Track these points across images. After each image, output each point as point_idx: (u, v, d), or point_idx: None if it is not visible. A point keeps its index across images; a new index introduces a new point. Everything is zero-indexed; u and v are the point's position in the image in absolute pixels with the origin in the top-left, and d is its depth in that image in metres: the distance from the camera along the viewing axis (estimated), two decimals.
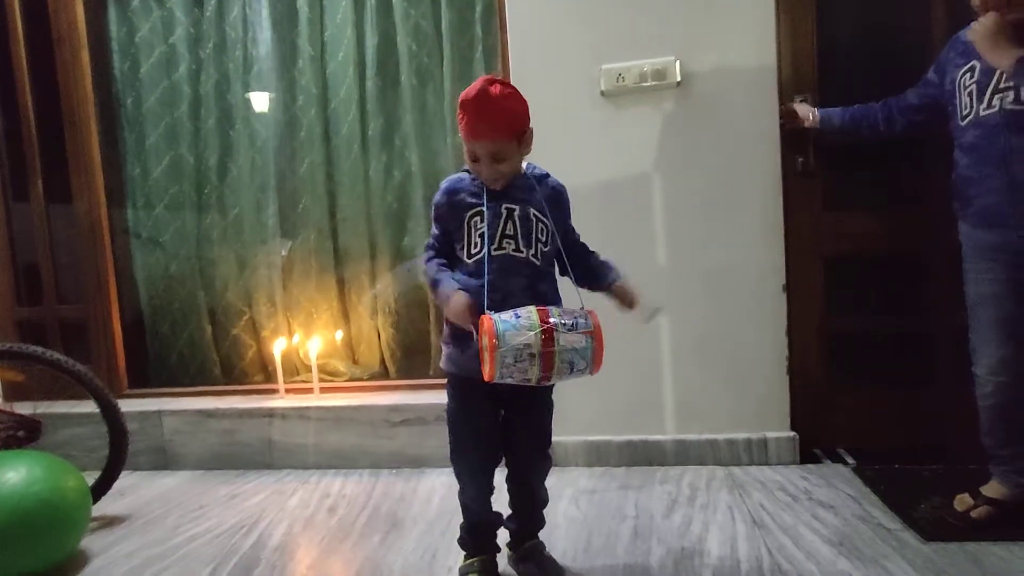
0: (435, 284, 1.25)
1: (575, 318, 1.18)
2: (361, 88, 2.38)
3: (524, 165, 1.32)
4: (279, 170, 2.46)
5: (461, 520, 1.41)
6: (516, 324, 1.14)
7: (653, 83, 1.94)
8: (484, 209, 1.24)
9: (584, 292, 1.33)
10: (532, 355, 1.13)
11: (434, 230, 1.32)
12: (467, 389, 1.29)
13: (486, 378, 1.15)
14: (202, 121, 2.48)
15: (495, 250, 1.24)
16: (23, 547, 1.48)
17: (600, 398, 2.02)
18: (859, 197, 2.01)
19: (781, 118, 1.91)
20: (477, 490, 1.34)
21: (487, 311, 1.17)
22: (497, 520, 1.40)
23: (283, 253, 2.51)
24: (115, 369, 2.47)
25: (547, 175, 1.35)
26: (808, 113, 1.85)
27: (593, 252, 1.38)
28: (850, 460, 1.96)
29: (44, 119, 2.47)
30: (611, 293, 1.33)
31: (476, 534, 1.38)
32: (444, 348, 1.33)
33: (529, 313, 1.16)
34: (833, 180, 1.99)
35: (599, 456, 2.05)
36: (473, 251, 1.25)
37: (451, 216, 1.28)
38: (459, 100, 1.22)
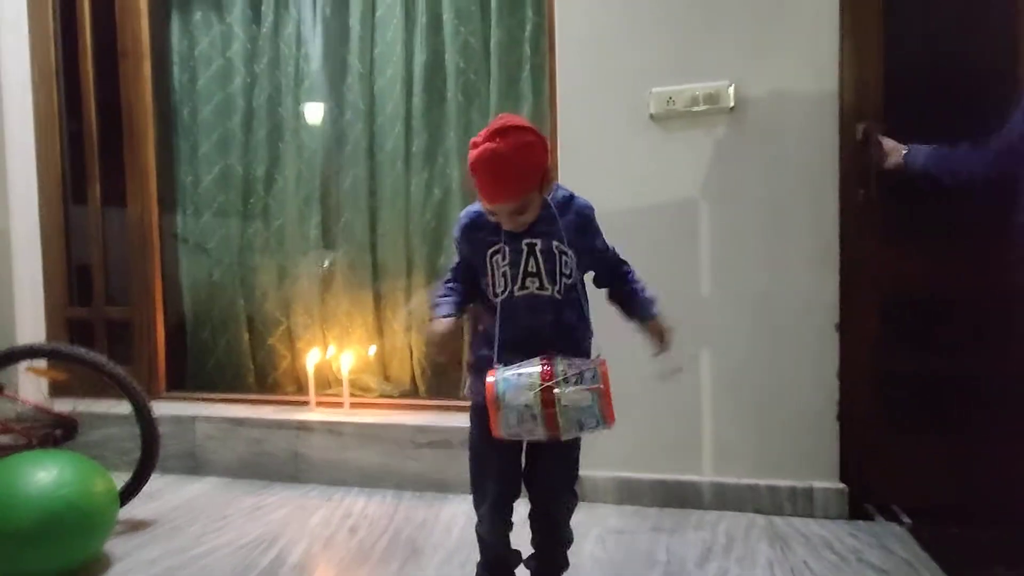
0: (433, 304, 1.23)
1: (581, 372, 1.12)
2: (408, 104, 2.38)
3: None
4: (324, 183, 2.49)
5: (479, 557, 1.34)
6: (517, 383, 1.10)
7: (705, 107, 1.87)
8: (504, 247, 1.19)
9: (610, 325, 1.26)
10: (534, 416, 1.08)
11: (455, 257, 1.29)
12: (488, 418, 1.23)
13: (494, 435, 1.12)
14: (253, 133, 2.53)
15: (519, 290, 1.19)
16: (47, 548, 1.49)
17: (634, 433, 1.93)
18: (920, 233, 1.86)
19: (860, 138, 1.77)
20: (493, 523, 1.28)
21: (495, 365, 1.14)
22: (515, 558, 1.34)
23: (325, 265, 2.52)
24: (155, 371, 2.51)
25: (571, 198, 1.25)
26: (896, 151, 1.69)
27: (634, 280, 1.29)
28: (905, 519, 1.80)
29: (105, 126, 2.56)
30: (644, 328, 1.26)
31: (493, 571, 1.32)
32: (469, 376, 1.28)
33: (532, 371, 1.11)
34: (894, 214, 1.85)
35: (630, 494, 1.95)
36: (498, 290, 1.21)
37: (472, 253, 1.24)
38: (469, 161, 1.13)
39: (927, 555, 1.60)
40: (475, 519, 1.33)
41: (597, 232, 1.28)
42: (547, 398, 1.08)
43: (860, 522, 1.80)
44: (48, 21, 2.54)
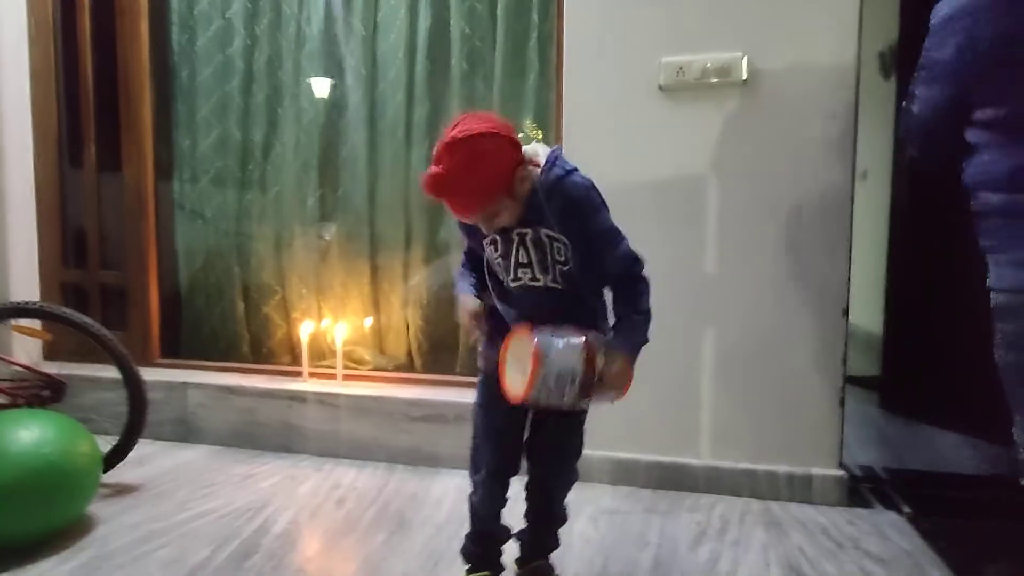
0: (456, 282, 1.24)
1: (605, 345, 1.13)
2: (410, 71, 2.32)
3: (542, 162, 1.13)
4: (323, 151, 2.43)
5: (468, 528, 1.31)
6: (564, 346, 1.06)
7: (716, 80, 1.80)
8: (497, 238, 1.15)
9: None
10: (574, 380, 1.05)
11: (464, 241, 1.27)
12: (496, 389, 1.18)
13: (517, 399, 1.08)
14: (252, 97, 2.47)
15: (512, 281, 1.16)
16: (28, 508, 1.46)
17: (631, 413, 1.87)
18: None
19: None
20: (488, 495, 1.25)
21: (523, 323, 1.12)
22: (504, 534, 1.30)
23: (326, 237, 2.47)
24: (148, 337, 2.48)
25: (563, 177, 1.10)
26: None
27: (631, 299, 1.15)
28: (905, 508, 1.76)
29: (103, 87, 2.50)
30: (610, 355, 1.12)
31: (481, 545, 1.29)
32: (484, 346, 1.24)
33: (573, 337, 1.07)
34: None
35: (625, 475, 1.92)
36: (501, 278, 1.19)
37: (471, 239, 1.22)
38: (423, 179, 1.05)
39: (926, 544, 1.56)
40: (467, 491, 1.29)
41: (589, 215, 1.11)
42: (590, 365, 1.06)
43: (859, 509, 1.76)
44: None
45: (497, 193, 1.06)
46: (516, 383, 1.09)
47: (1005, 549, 1.50)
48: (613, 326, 1.17)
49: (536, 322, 1.11)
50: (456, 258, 1.94)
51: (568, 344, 1.06)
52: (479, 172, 1.04)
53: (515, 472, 1.26)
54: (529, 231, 1.12)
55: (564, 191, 1.10)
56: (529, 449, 1.26)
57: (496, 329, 1.19)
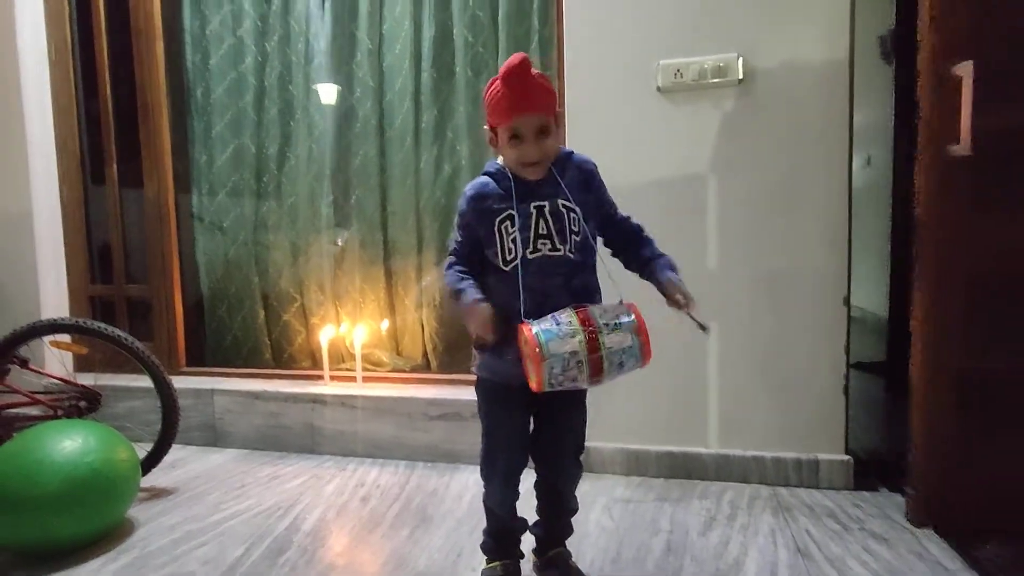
0: (458, 294, 1.21)
1: (617, 316, 1.13)
2: (416, 80, 2.39)
3: None
4: (334, 161, 2.51)
5: (485, 525, 1.39)
6: (558, 331, 1.09)
7: (713, 80, 1.85)
8: (514, 212, 1.19)
9: (625, 279, 1.27)
10: (579, 362, 1.09)
11: (457, 237, 1.27)
12: (502, 395, 1.26)
13: (535, 389, 1.12)
14: (265, 111, 2.55)
15: (531, 253, 1.19)
16: (74, 513, 1.55)
17: (641, 405, 1.96)
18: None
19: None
20: (503, 495, 1.32)
21: (524, 320, 1.13)
22: (522, 526, 1.37)
23: (339, 243, 2.56)
24: (174, 347, 2.58)
25: (570, 154, 1.25)
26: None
27: (646, 238, 1.29)
28: (909, 490, 1.81)
29: (121, 107, 2.60)
30: (662, 288, 1.23)
31: (499, 540, 1.36)
32: (478, 353, 1.29)
33: (570, 318, 1.11)
34: (991, 173, 1.50)
35: (637, 465, 1.99)
36: (508, 257, 1.20)
37: (480, 224, 1.22)
38: (495, 80, 1.16)
39: (929, 523, 1.61)
40: (482, 491, 1.36)
41: (602, 186, 1.27)
42: (592, 343, 1.08)
43: (865, 492, 1.82)
44: None
45: (555, 104, 1.19)
46: (532, 378, 1.13)
47: (1006, 526, 1.54)
48: (650, 264, 1.25)
49: (551, 293, 1.17)
50: None
51: (565, 330, 1.09)
52: (548, 79, 1.18)
53: (525, 466, 1.32)
54: (547, 203, 1.19)
55: (577, 163, 1.24)
56: (534, 450, 1.32)
57: (499, 339, 1.21)
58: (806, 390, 1.87)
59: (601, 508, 1.76)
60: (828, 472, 1.86)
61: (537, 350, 1.08)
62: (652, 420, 1.98)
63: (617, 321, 1.11)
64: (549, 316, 1.13)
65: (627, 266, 1.29)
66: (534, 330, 1.10)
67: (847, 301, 1.83)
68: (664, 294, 1.22)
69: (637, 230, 1.29)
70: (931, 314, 1.57)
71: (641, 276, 1.27)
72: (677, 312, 1.22)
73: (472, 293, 1.19)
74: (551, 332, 1.10)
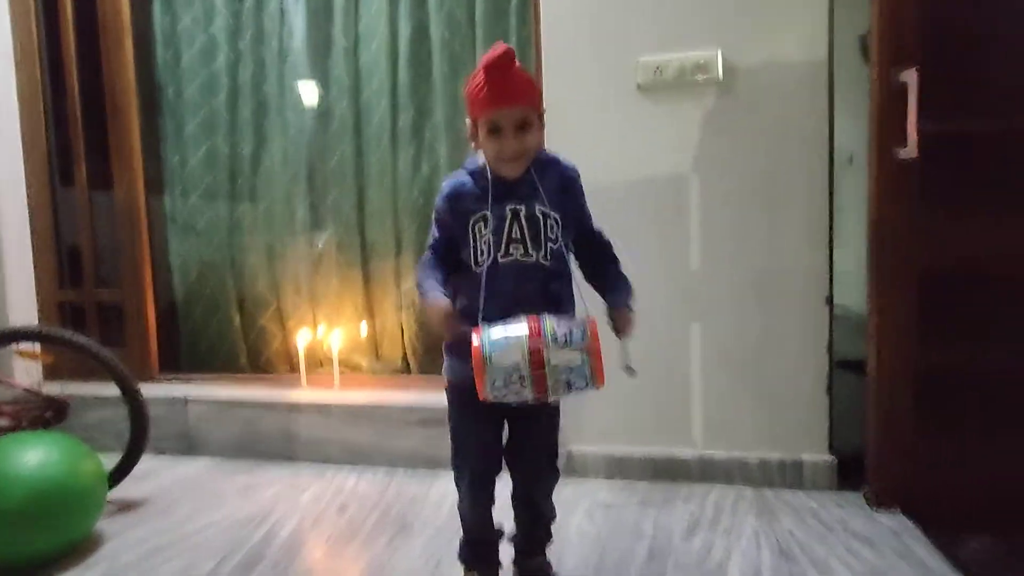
0: (421, 289, 1.19)
1: (571, 331, 1.08)
2: (393, 79, 2.34)
3: None
4: (310, 161, 2.46)
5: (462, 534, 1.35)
6: (505, 343, 1.06)
7: (693, 78, 1.83)
8: (488, 214, 1.16)
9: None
10: (522, 377, 1.05)
11: (435, 232, 1.25)
12: (470, 399, 1.21)
13: (480, 397, 1.09)
14: (238, 111, 2.49)
15: (502, 257, 1.17)
16: (38, 528, 1.50)
17: (624, 408, 1.93)
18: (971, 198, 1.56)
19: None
20: (475, 502, 1.29)
21: (480, 323, 1.11)
22: (497, 535, 1.34)
23: (319, 245, 2.50)
24: (147, 353, 2.51)
25: (555, 159, 1.23)
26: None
27: (613, 256, 1.28)
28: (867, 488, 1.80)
29: (90, 107, 2.52)
30: (610, 313, 1.22)
31: (475, 548, 1.33)
32: (446, 357, 1.26)
33: (519, 330, 1.07)
34: (939, 176, 1.56)
35: (620, 469, 1.96)
36: (480, 259, 1.18)
37: (455, 222, 1.20)
38: (477, 70, 1.13)
39: (913, 523, 1.60)
40: (455, 499, 1.33)
41: (582, 194, 1.25)
42: (536, 359, 1.04)
43: (848, 493, 1.80)
44: None
45: (538, 98, 1.18)
46: (477, 385, 1.09)
47: (988, 524, 1.54)
48: (607, 284, 1.24)
49: (523, 299, 1.14)
50: None
51: (511, 342, 1.05)
52: (530, 74, 1.17)
53: (498, 472, 1.29)
54: (523, 207, 1.16)
55: (559, 169, 1.22)
56: (508, 458, 1.29)
57: (461, 340, 1.18)
58: (790, 390, 1.85)
59: (583, 513, 1.73)
60: (812, 473, 1.84)
61: (479, 359, 1.05)
62: (635, 422, 1.95)
63: (568, 338, 1.07)
64: (503, 324, 1.09)
65: (587, 278, 1.27)
66: (481, 338, 1.07)
67: (830, 300, 1.82)
68: (612, 318, 1.21)
69: (608, 245, 1.28)
70: (886, 310, 1.65)
71: (597, 290, 1.26)
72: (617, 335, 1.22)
73: (434, 289, 1.17)
74: (497, 343, 1.06)
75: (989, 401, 1.47)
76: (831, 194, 1.80)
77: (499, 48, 1.10)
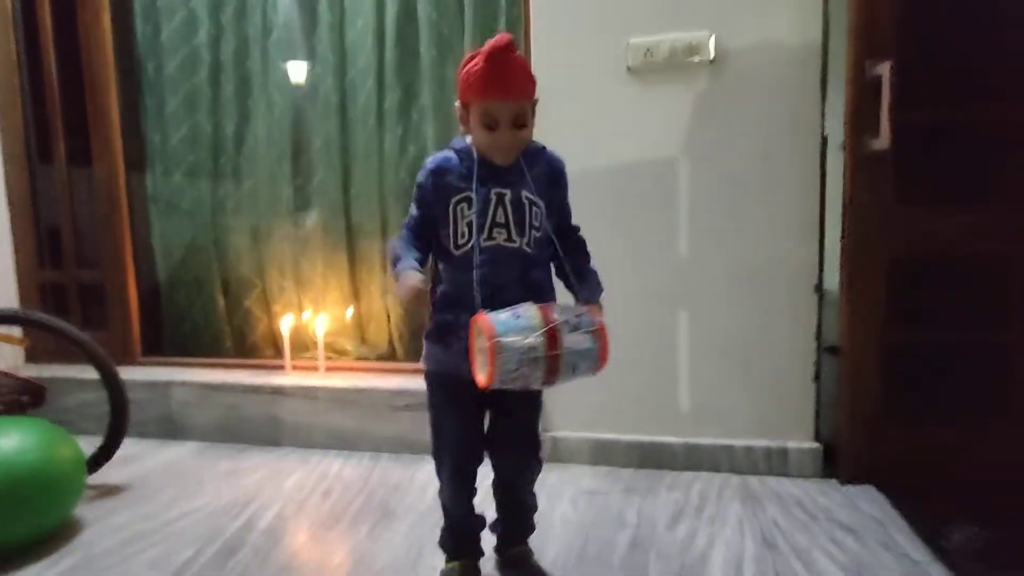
0: (394, 261, 1.15)
1: (578, 316, 1.09)
2: (380, 58, 2.28)
3: None
4: (295, 141, 2.40)
5: (443, 523, 1.34)
6: (517, 325, 1.04)
7: (684, 59, 1.79)
8: (472, 195, 1.13)
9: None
10: (535, 359, 1.03)
11: (413, 211, 1.21)
12: (451, 388, 1.21)
13: (483, 385, 1.06)
14: (221, 88, 2.43)
15: (485, 241, 1.14)
16: (12, 515, 1.47)
17: (609, 393, 1.91)
18: (940, 188, 1.72)
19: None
20: (456, 492, 1.27)
21: (481, 309, 1.08)
22: (479, 523, 1.33)
23: (308, 223, 2.45)
24: (129, 336, 2.48)
25: (543, 149, 1.22)
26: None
27: (587, 253, 1.26)
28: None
29: (67, 82, 2.45)
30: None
31: (456, 537, 1.31)
32: (426, 344, 1.24)
33: (530, 313, 1.06)
34: (910, 167, 1.67)
35: (605, 455, 1.95)
36: (460, 241, 1.15)
37: (436, 200, 1.16)
38: (477, 57, 1.09)
39: (897, 513, 1.60)
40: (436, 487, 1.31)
41: (566, 187, 1.25)
42: (552, 341, 1.03)
43: (834, 480, 1.80)
44: None
45: (534, 90, 1.14)
46: (483, 372, 1.07)
47: (973, 514, 1.54)
48: (576, 279, 1.22)
49: (503, 286, 1.13)
50: None
51: (524, 323, 1.04)
52: (528, 64, 1.14)
53: (479, 462, 1.27)
54: (509, 191, 1.14)
55: (548, 159, 1.21)
56: (489, 447, 1.27)
57: (442, 328, 1.17)
58: (777, 378, 1.84)
59: (567, 500, 1.72)
60: (798, 460, 1.84)
61: (494, 341, 1.02)
62: (621, 408, 1.94)
63: (578, 322, 1.07)
64: (509, 309, 1.08)
65: (557, 272, 1.25)
66: (492, 320, 1.04)
67: (818, 289, 1.80)
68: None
69: (583, 242, 1.27)
70: (857, 291, 1.73)
71: (567, 285, 1.24)
72: None
73: (408, 261, 1.13)
74: (509, 324, 1.04)
75: (953, 381, 1.70)
76: (823, 180, 1.77)
77: (503, 38, 1.06)
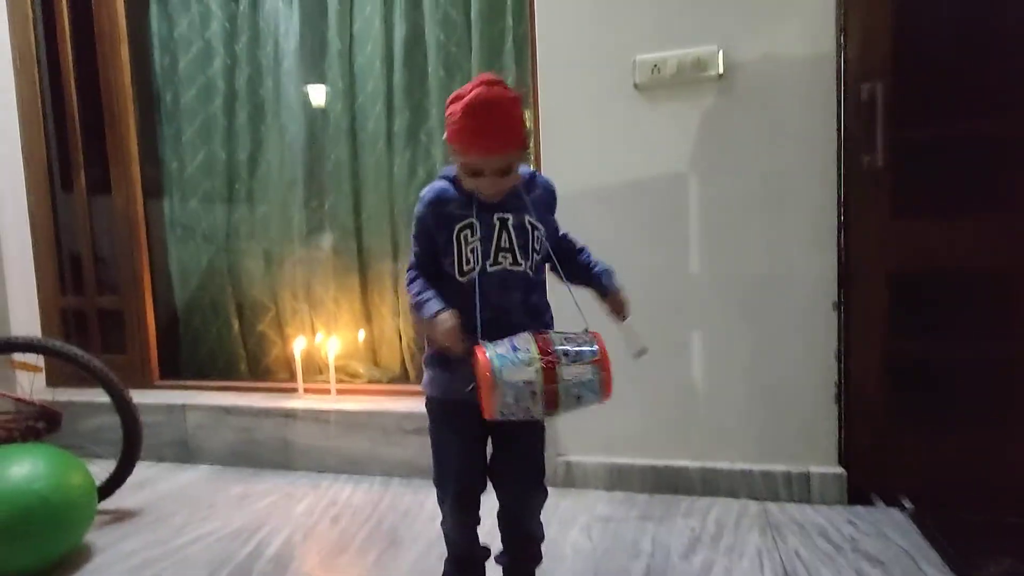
0: (420, 305, 1.12)
1: (579, 345, 1.05)
2: (388, 81, 2.30)
3: None
4: (307, 166, 2.42)
5: (447, 554, 1.30)
6: (514, 358, 1.01)
7: (692, 75, 1.76)
8: (475, 221, 1.12)
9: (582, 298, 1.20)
10: (534, 393, 1.01)
11: (415, 248, 1.19)
12: (453, 415, 1.18)
13: (486, 416, 1.04)
14: (235, 116, 2.47)
15: (491, 265, 1.12)
16: (22, 544, 1.48)
17: (624, 417, 1.87)
18: (933, 203, 1.71)
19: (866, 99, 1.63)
20: (460, 521, 1.23)
21: (480, 341, 1.05)
22: (483, 554, 1.29)
23: (324, 248, 2.46)
24: (147, 360, 2.50)
25: (534, 175, 1.21)
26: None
27: (583, 247, 1.26)
28: (907, 504, 1.72)
29: (88, 113, 2.51)
30: (604, 300, 1.20)
31: (460, 568, 1.27)
32: (427, 370, 1.21)
33: (528, 344, 1.03)
34: (905, 183, 1.70)
35: (620, 480, 1.90)
36: (466, 268, 1.13)
37: (438, 229, 1.14)
38: (458, 105, 1.05)
39: (927, 544, 1.52)
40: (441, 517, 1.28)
41: (555, 208, 1.25)
42: (549, 374, 1.01)
43: (859, 508, 1.72)
44: (27, 2, 2.49)
45: (522, 137, 1.10)
46: (484, 405, 1.05)
47: (1008, 547, 1.45)
48: (591, 273, 1.22)
49: (507, 310, 1.12)
50: None
51: (521, 357, 1.02)
52: (517, 109, 1.07)
53: (483, 489, 1.23)
54: (511, 216, 1.13)
55: (543, 184, 1.21)
56: (493, 476, 1.23)
57: (446, 354, 1.15)
58: (796, 399, 1.78)
59: (580, 528, 1.67)
60: (820, 486, 1.76)
61: (490, 376, 1.00)
62: (635, 432, 1.89)
63: (579, 352, 1.04)
64: (506, 340, 1.05)
65: (568, 276, 1.22)
66: (488, 354, 1.02)
67: (837, 306, 1.74)
68: (609, 303, 1.19)
69: (573, 239, 1.27)
70: (860, 305, 1.74)
71: (581, 283, 1.23)
72: (619, 326, 1.19)
73: (436, 303, 1.11)
74: (506, 358, 1.02)
75: (954, 391, 1.70)
76: (840, 194, 1.72)
77: (485, 91, 1.02)
